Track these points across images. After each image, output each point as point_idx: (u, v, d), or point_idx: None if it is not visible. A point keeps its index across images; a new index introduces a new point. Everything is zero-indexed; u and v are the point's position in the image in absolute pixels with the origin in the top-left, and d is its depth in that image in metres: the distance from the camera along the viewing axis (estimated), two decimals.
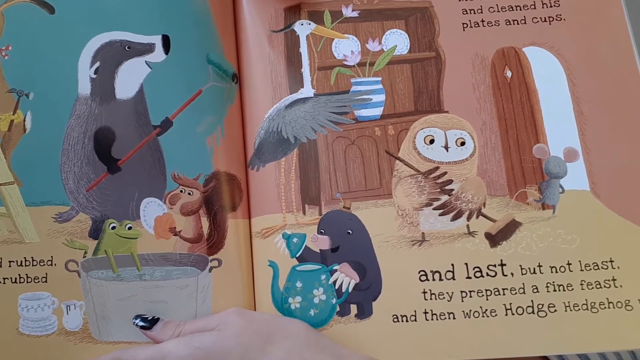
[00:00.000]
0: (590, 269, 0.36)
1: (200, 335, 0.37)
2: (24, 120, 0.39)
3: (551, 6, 0.41)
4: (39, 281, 0.39)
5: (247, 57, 0.42)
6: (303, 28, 0.42)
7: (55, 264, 0.39)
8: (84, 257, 0.39)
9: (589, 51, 0.40)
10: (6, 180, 0.39)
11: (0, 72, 0.40)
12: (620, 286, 0.36)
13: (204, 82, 0.40)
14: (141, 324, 0.39)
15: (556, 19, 0.41)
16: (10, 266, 0.39)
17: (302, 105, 0.41)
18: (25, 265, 0.39)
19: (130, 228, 0.39)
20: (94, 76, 0.40)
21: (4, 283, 0.38)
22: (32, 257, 0.39)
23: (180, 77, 0.40)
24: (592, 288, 0.36)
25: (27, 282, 0.39)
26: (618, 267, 0.36)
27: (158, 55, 0.40)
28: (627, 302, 0.35)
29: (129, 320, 0.39)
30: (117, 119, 0.40)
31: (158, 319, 0.39)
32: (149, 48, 0.40)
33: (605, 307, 0.35)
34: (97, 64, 0.40)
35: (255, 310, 0.40)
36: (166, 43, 0.40)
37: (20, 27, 0.40)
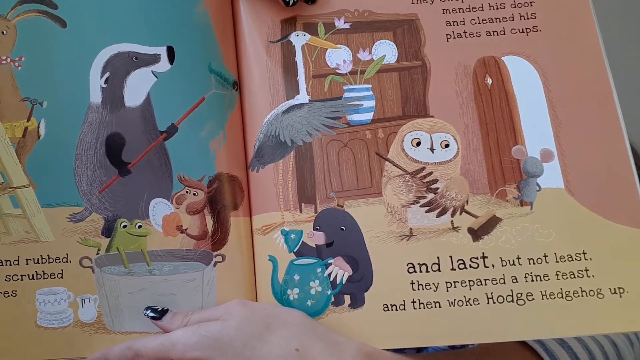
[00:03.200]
0: (565, 261, 0.37)
1: (206, 324, 0.38)
2: (38, 127, 0.40)
3: (528, 18, 0.42)
4: (55, 277, 0.39)
5: (246, 66, 0.43)
6: (298, 39, 0.43)
7: (70, 261, 0.40)
8: (97, 254, 0.40)
9: (563, 60, 0.41)
10: (22, 183, 0.40)
11: (14, 82, 0.40)
12: (593, 276, 0.37)
13: (206, 90, 0.41)
14: (151, 314, 0.39)
15: (532, 30, 0.42)
16: (27, 264, 0.39)
17: (298, 111, 0.41)
18: (42, 263, 0.39)
19: (140, 227, 0.40)
20: (104, 86, 0.40)
21: (22, 280, 0.39)
22: (48, 255, 0.39)
23: (184, 85, 0.41)
24: (567, 278, 0.37)
25: (44, 278, 0.39)
26: (590, 259, 0.37)
27: (163, 65, 0.41)
28: (598, 290, 0.36)
29: (140, 312, 0.39)
30: (127, 125, 0.40)
31: (167, 310, 0.39)
32: (154, 59, 0.41)
33: (578, 296, 0.37)
34: (107, 74, 0.40)
35: (256, 301, 0.41)
36: (171, 54, 0.40)
37: (32, 39, 0.40)
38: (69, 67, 0.40)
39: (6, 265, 0.40)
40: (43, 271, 0.40)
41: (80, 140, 0.40)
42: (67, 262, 0.40)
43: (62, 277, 0.40)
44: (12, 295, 0.39)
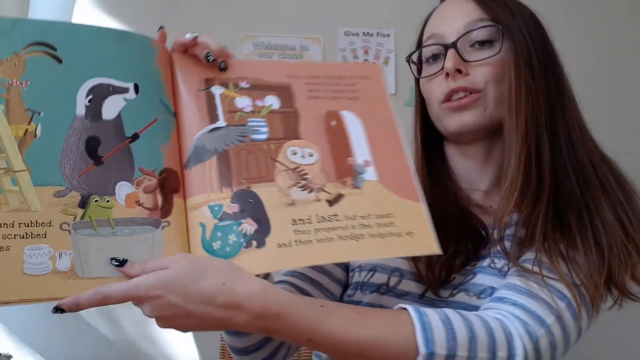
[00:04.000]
0: (380, 217, 0.64)
1: (160, 271, 0.54)
2: (35, 129, 0.55)
3: (353, 91, 0.73)
4: (40, 237, 0.52)
5: (182, 103, 0.64)
6: (217, 90, 0.66)
7: (52, 225, 0.53)
8: (74, 220, 0.54)
9: (371, 113, 0.72)
10: (20, 168, 0.53)
11: (20, 97, 0.55)
12: (395, 225, 0.64)
13: (158, 114, 0.61)
14: (115, 263, 0.54)
15: (354, 98, 0.73)
16: (19, 227, 0.52)
17: (219, 131, 0.64)
18: (31, 226, 0.52)
19: (107, 201, 0.56)
20: (88, 104, 0.57)
21: (15, 238, 0.51)
22: (36, 221, 0.52)
23: (145, 109, 0.60)
24: (382, 226, 0.63)
25: (32, 238, 0.52)
26: (393, 216, 0.65)
27: (131, 94, 0.60)
28: (398, 233, 0.64)
29: (104, 263, 0.54)
30: (103, 131, 0.58)
31: (126, 260, 0.55)
32: (125, 90, 0.59)
33: (389, 236, 0.63)
34: (90, 96, 0.58)
35: (193, 251, 0.58)
36: (137, 88, 0.60)
37: (36, 69, 0.56)
38: (62, 89, 0.57)
39: (3, 227, 0.51)
40: (32, 232, 0.52)
41: (66, 139, 0.56)
42: (50, 226, 0.53)
43: (45, 237, 0.53)
44: (6, 249, 0.51)
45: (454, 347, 0.59)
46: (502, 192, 0.75)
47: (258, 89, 0.69)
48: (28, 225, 0.53)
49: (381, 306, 0.78)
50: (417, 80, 0.87)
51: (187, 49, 0.68)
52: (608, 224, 0.71)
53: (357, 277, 0.85)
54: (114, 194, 0.57)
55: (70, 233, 0.54)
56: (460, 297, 0.76)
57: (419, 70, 0.87)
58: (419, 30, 0.89)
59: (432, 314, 0.61)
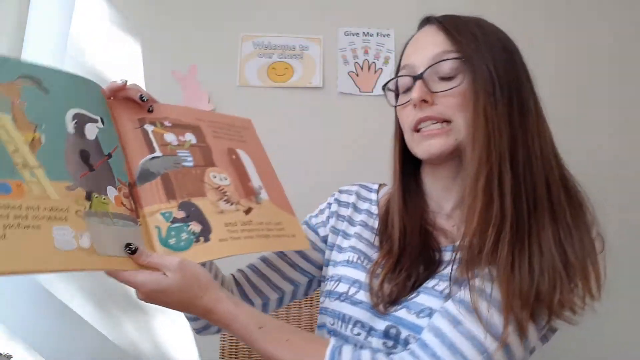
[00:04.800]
0: (276, 224, 1.14)
1: (161, 277, 0.87)
2: (40, 137, 0.84)
3: (240, 136, 1.24)
4: (62, 220, 0.80)
5: (125, 137, 1.03)
6: (149, 127, 1.07)
7: (69, 211, 0.82)
8: (84, 210, 0.84)
9: (254, 153, 1.24)
10: (36, 165, 0.81)
11: (23, 113, 0.83)
12: (284, 229, 1.16)
13: (117, 142, 0.99)
14: (129, 251, 0.86)
15: (243, 141, 1.24)
16: (45, 210, 0.79)
17: (157, 159, 1.04)
18: (54, 211, 0.80)
19: (104, 199, 0.88)
20: (75, 126, 0.90)
21: (43, 219, 0.78)
22: (57, 207, 0.80)
23: (109, 137, 0.98)
24: (278, 230, 1.14)
25: (57, 220, 0.79)
26: (282, 224, 1.16)
27: (100, 124, 0.96)
28: (287, 235, 1.15)
29: (112, 244, 0.85)
30: (89, 147, 0.91)
31: (137, 248, 0.86)
32: (96, 120, 0.95)
33: (283, 236, 1.14)
34: (75, 120, 0.90)
35: (152, 245, 0.94)
36: (102, 120, 0.96)
37: (30, 95, 0.85)
38: (53, 112, 0.88)
39: (31, 210, 0.77)
40: (55, 215, 0.79)
41: (65, 150, 0.87)
42: (68, 212, 0.81)
43: (66, 220, 0.80)
44: (37, 228, 0.77)
45: None
46: (462, 216, 0.95)
47: (178, 127, 1.13)
48: (51, 210, 0.80)
49: (341, 312, 1.09)
50: (395, 107, 1.12)
51: (119, 93, 1.05)
52: (546, 248, 0.87)
53: (327, 286, 1.17)
54: (106, 194, 0.90)
55: (84, 219, 0.83)
56: (402, 313, 0.99)
57: (396, 98, 1.11)
58: (399, 58, 1.13)
59: (346, 355, 0.90)
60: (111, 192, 0.93)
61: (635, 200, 2.29)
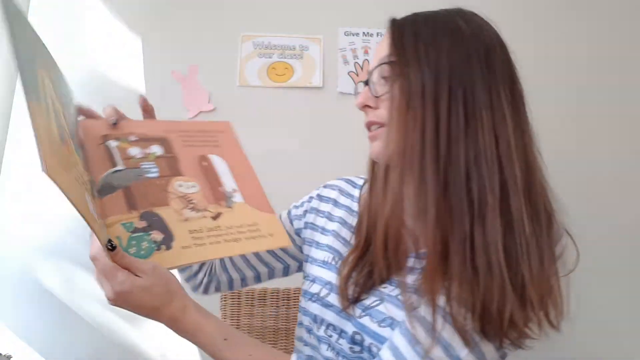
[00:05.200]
0: (249, 225, 1.14)
1: (136, 278, 0.89)
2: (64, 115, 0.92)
3: (215, 141, 1.25)
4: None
5: (87, 153, 1.06)
6: (112, 143, 1.10)
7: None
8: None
9: (231, 156, 1.24)
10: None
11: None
12: (260, 230, 1.14)
13: None
14: (109, 247, 0.86)
15: (217, 146, 1.25)
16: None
17: (120, 172, 1.06)
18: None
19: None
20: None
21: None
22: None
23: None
24: (252, 231, 1.13)
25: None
26: (258, 224, 1.15)
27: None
28: (264, 235, 1.14)
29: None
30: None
31: (116, 246, 0.87)
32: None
33: (258, 237, 1.13)
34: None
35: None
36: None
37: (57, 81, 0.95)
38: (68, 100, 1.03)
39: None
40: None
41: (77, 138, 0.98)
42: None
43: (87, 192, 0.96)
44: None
45: None
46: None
47: (144, 141, 1.16)
48: (83, 179, 0.91)
49: (313, 313, 1.13)
50: None
51: (84, 111, 1.09)
52: (495, 262, 0.85)
53: (304, 285, 1.20)
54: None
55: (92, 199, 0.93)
56: (366, 320, 1.01)
57: None
58: None
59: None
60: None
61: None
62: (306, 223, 1.29)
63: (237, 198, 1.19)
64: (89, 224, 0.85)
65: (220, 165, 1.23)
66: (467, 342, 0.86)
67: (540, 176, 0.93)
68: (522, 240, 0.85)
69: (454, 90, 0.90)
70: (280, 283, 1.60)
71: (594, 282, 2.22)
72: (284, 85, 2.38)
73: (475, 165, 0.87)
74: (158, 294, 0.91)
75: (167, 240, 1.03)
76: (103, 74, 2.36)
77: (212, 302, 1.93)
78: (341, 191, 1.29)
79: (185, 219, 1.09)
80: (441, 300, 0.87)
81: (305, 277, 1.22)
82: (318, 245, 1.23)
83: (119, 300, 0.91)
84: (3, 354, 1.91)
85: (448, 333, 0.88)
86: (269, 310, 1.89)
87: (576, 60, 2.40)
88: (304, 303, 1.17)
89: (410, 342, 0.90)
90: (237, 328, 1.88)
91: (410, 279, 0.95)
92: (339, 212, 1.24)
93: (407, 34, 0.97)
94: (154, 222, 1.05)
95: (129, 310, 0.93)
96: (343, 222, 1.21)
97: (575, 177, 2.25)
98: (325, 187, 1.33)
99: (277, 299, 1.88)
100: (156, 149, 1.17)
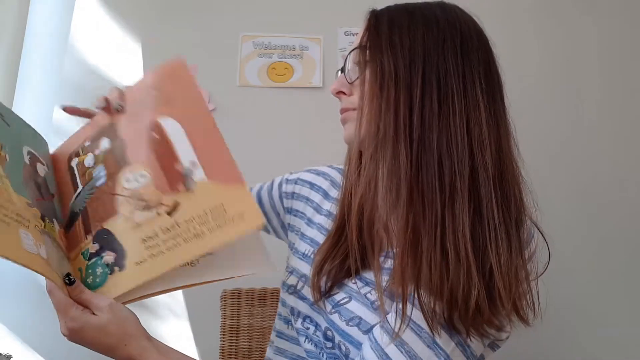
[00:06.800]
0: (213, 210, 0.93)
1: (92, 317, 0.86)
2: (5, 155, 0.91)
3: (167, 94, 1.04)
4: (26, 227, 0.89)
5: (59, 185, 1.05)
6: (74, 162, 1.06)
7: (30, 223, 0.88)
8: (40, 227, 0.91)
9: (187, 110, 1.03)
10: (4, 175, 0.87)
11: None
12: (226, 212, 0.92)
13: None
14: (67, 281, 0.86)
15: (169, 101, 1.04)
16: (12, 214, 0.85)
17: (79, 196, 1.01)
18: (20, 217, 0.88)
19: (52, 226, 1.08)
20: (29, 159, 1.00)
21: (12, 218, 0.87)
22: (22, 215, 0.86)
23: (52, 180, 1.04)
24: (217, 218, 0.93)
25: (22, 225, 0.85)
26: (224, 205, 0.93)
27: (46, 168, 1.03)
28: (232, 219, 0.91)
29: (58, 265, 0.86)
30: (40, 181, 0.98)
31: (75, 280, 0.87)
32: (43, 163, 1.03)
33: (224, 224, 0.93)
34: (29, 156, 1.00)
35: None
36: (48, 166, 1.04)
37: None
38: (13, 142, 0.96)
39: (2, 208, 0.82)
40: (20, 221, 0.82)
41: (24, 175, 0.95)
42: (30, 223, 0.86)
43: (29, 229, 0.82)
44: (7, 224, 0.81)
45: None
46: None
47: (95, 141, 1.07)
48: (17, 215, 0.84)
49: (290, 304, 1.11)
50: None
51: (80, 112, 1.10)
52: (459, 244, 0.84)
53: (284, 277, 1.17)
54: (53, 223, 0.96)
55: (41, 234, 0.87)
56: (335, 318, 0.99)
57: None
58: None
59: None
60: (56, 225, 0.97)
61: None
62: (298, 211, 1.28)
63: (198, 175, 0.98)
64: (27, 266, 0.82)
65: (174, 130, 1.02)
66: (433, 329, 0.85)
67: (514, 168, 0.92)
68: (490, 227, 0.85)
69: (427, 76, 0.90)
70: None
71: (594, 282, 2.29)
72: (284, 85, 2.38)
73: (448, 151, 0.87)
74: (112, 333, 0.88)
75: (120, 259, 0.94)
76: (103, 74, 2.35)
77: (212, 302, 1.92)
78: (333, 183, 1.26)
79: (136, 224, 0.96)
80: (411, 290, 0.86)
81: (286, 267, 1.20)
82: (303, 236, 1.21)
83: (73, 336, 0.90)
84: (3, 354, 1.89)
85: (416, 317, 0.87)
86: (269, 310, 1.79)
87: (576, 60, 2.45)
88: (283, 294, 1.16)
89: (381, 356, 0.89)
90: (237, 328, 1.83)
91: (384, 279, 0.93)
92: (327, 204, 1.22)
93: (382, 21, 0.97)
94: (105, 242, 0.97)
95: (84, 346, 0.92)
96: (329, 215, 1.18)
97: (575, 177, 2.24)
98: (318, 174, 1.29)
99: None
100: (104, 144, 1.07)
